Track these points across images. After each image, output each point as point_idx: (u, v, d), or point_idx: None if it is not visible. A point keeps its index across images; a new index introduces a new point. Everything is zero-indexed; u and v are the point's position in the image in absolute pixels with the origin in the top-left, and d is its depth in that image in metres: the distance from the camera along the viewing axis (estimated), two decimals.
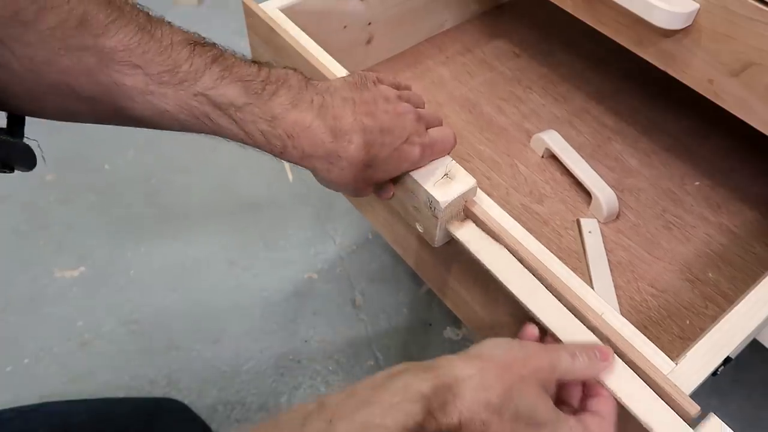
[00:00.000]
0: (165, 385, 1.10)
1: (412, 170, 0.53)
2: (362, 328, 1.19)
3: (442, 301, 1.21)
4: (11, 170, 0.47)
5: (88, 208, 1.33)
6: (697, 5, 0.58)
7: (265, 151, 0.47)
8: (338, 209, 1.36)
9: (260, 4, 0.74)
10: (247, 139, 0.46)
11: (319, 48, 0.69)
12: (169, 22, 0.45)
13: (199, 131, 0.46)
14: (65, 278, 1.21)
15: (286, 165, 1.45)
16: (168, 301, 1.20)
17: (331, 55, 0.68)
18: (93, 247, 1.26)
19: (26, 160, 0.47)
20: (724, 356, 0.49)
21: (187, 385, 1.11)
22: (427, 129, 0.53)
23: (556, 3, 0.73)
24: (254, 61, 0.47)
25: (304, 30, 0.71)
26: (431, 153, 0.53)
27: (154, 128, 0.46)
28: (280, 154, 0.47)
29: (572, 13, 0.71)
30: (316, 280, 1.26)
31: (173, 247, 1.28)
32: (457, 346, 1.17)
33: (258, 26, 0.73)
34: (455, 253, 0.61)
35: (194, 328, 1.17)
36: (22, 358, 1.10)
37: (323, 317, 1.21)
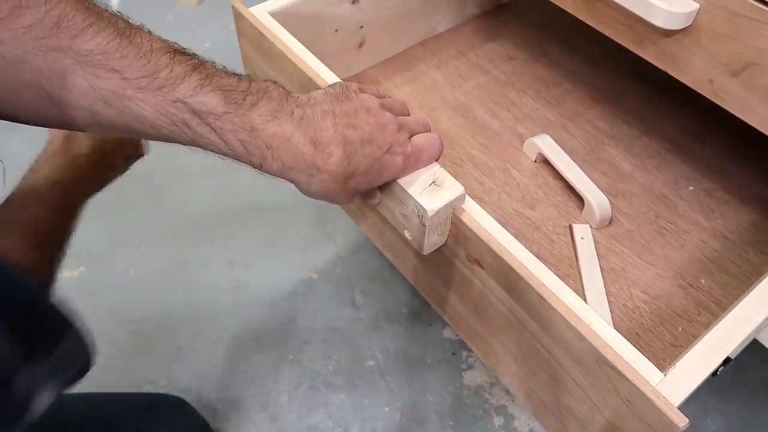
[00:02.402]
0: (165, 384, 1.11)
1: (397, 179, 0.53)
2: (362, 328, 1.19)
3: None
4: None
5: (88, 208, 1.34)
6: (697, 5, 0.58)
7: (245, 162, 0.47)
8: (338, 209, 1.36)
9: (250, 8, 0.73)
10: (225, 149, 0.45)
11: (309, 52, 0.68)
12: (149, 31, 0.44)
13: (176, 140, 0.45)
14: (65, 279, 1.22)
15: None
16: (168, 301, 1.21)
17: (322, 59, 0.68)
18: (93, 247, 1.27)
19: None
20: (714, 367, 0.49)
21: (187, 385, 1.11)
22: (412, 136, 0.53)
23: (556, 3, 0.72)
24: (235, 73, 0.46)
25: (294, 34, 0.71)
26: (416, 162, 0.53)
27: (131, 135, 0.45)
28: (260, 165, 0.46)
29: (572, 13, 0.71)
30: (316, 280, 1.26)
31: (173, 246, 1.29)
32: (456, 346, 1.17)
33: (248, 30, 0.73)
34: (444, 261, 0.61)
35: (194, 328, 1.17)
36: None
37: (323, 317, 1.21)
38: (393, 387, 1.12)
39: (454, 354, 1.16)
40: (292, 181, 0.48)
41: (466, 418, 1.09)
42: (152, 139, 0.46)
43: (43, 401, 0.48)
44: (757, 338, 0.68)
